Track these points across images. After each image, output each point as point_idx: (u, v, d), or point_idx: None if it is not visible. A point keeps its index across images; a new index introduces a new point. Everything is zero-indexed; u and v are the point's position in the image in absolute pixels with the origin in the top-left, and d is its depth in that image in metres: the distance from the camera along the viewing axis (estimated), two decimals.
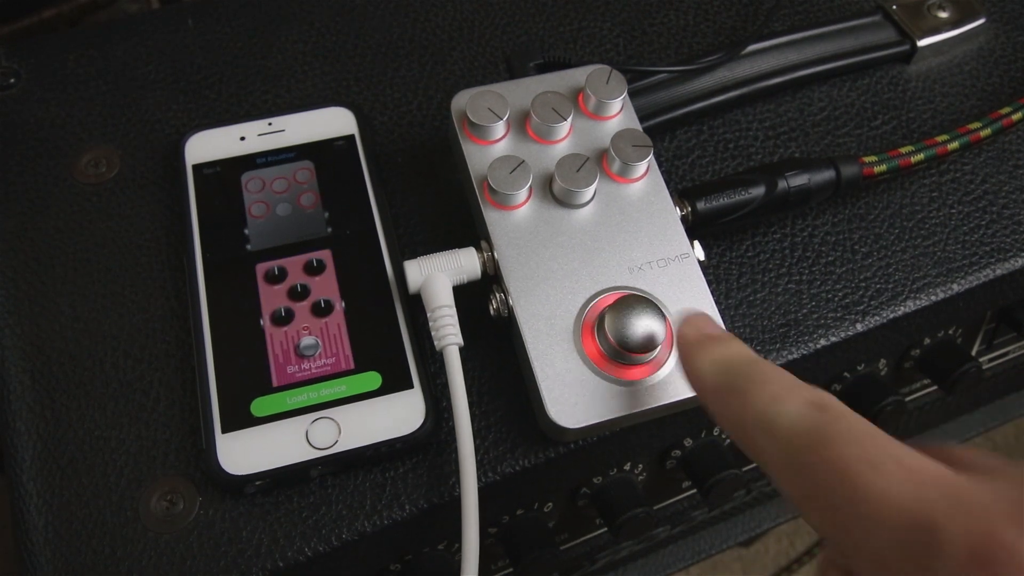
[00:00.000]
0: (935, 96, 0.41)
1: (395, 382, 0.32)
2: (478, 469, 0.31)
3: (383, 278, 0.34)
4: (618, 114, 0.36)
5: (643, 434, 0.34)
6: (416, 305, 0.33)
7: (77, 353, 0.33)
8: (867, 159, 0.36)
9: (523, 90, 0.36)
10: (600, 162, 0.34)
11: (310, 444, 0.30)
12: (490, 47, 0.42)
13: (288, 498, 0.31)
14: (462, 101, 0.35)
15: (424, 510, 0.31)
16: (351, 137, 0.38)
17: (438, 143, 0.39)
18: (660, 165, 0.37)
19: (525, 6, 0.43)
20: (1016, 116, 0.39)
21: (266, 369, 0.32)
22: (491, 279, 0.33)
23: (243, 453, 0.30)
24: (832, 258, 0.37)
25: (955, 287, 0.36)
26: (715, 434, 0.41)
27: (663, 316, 0.30)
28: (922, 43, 0.42)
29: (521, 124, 0.35)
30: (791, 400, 0.22)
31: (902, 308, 0.36)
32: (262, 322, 0.33)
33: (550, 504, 0.39)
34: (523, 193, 0.33)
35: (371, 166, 0.37)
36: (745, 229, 0.37)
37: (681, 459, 0.40)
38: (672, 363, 0.31)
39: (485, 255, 0.33)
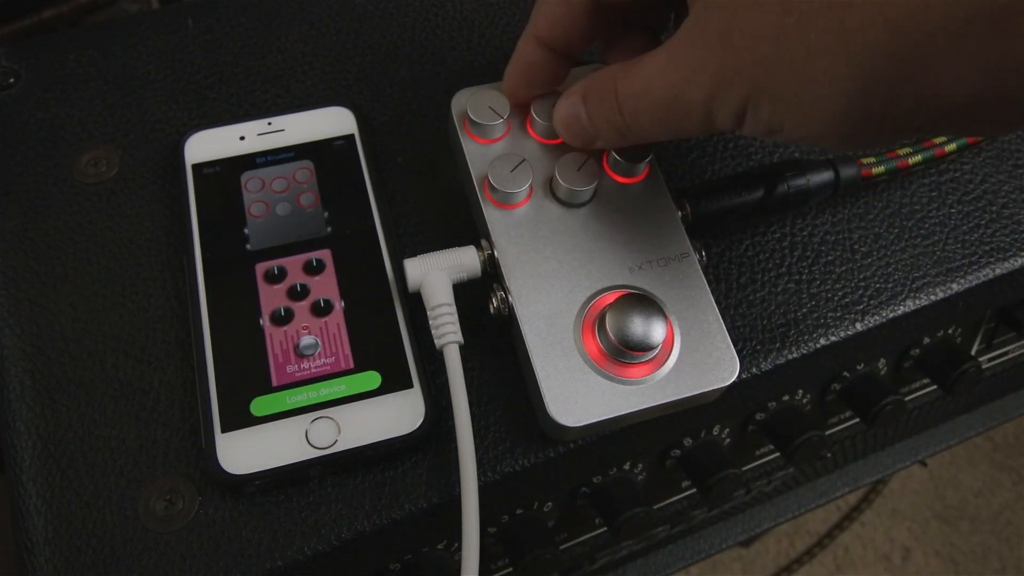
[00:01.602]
0: None
1: (395, 381, 0.32)
2: (478, 468, 0.31)
3: (383, 277, 0.34)
4: None
5: (643, 433, 0.34)
6: (416, 304, 0.33)
7: (77, 353, 0.33)
8: (865, 160, 0.37)
9: None
10: (601, 161, 0.34)
11: (310, 444, 0.30)
12: (490, 47, 0.42)
13: (288, 498, 0.31)
14: (463, 100, 0.35)
15: (424, 510, 0.31)
16: (351, 137, 0.38)
17: (438, 143, 0.39)
18: (660, 165, 0.37)
19: (525, 6, 0.43)
20: None
21: (266, 369, 0.32)
22: (491, 278, 0.33)
23: (243, 453, 0.30)
24: (832, 257, 0.37)
25: (954, 287, 0.36)
26: (715, 433, 0.41)
27: (664, 315, 0.30)
28: None
29: (522, 123, 0.35)
30: None
31: (901, 308, 0.36)
32: (262, 322, 0.33)
33: (550, 504, 0.39)
34: (523, 192, 0.33)
35: (371, 166, 0.37)
36: (745, 228, 0.37)
37: (681, 458, 0.40)
38: (673, 362, 0.31)
39: (485, 253, 0.33)
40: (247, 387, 0.31)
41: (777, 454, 0.47)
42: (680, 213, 0.34)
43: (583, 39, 0.32)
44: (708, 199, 0.35)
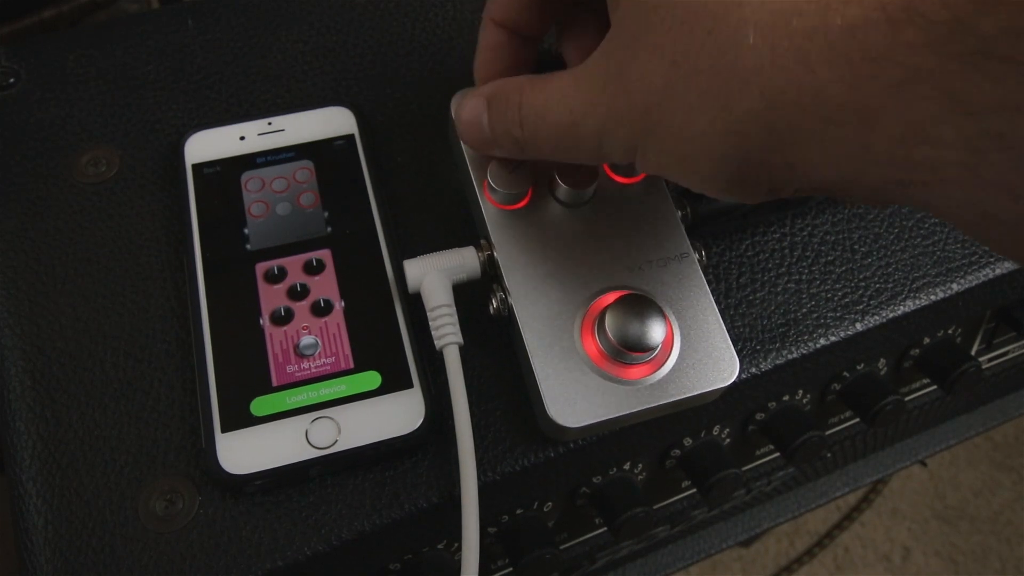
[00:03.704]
0: None
1: (395, 381, 0.32)
2: (478, 468, 0.31)
3: (383, 277, 0.34)
4: None
5: (643, 434, 0.34)
6: (416, 304, 0.33)
7: (77, 353, 0.33)
8: None
9: None
10: None
11: (310, 444, 0.30)
12: None
13: (288, 497, 0.31)
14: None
15: (424, 509, 0.31)
16: (351, 137, 0.38)
17: (438, 143, 0.39)
18: None
19: None
20: None
21: (266, 369, 0.32)
22: (491, 278, 0.33)
23: (243, 452, 0.30)
24: (831, 257, 0.37)
25: (954, 286, 0.36)
26: (715, 433, 0.41)
27: (663, 315, 0.30)
28: None
29: None
30: None
31: (901, 308, 0.36)
32: (262, 321, 0.33)
33: (550, 504, 0.39)
34: (523, 192, 0.33)
35: (371, 166, 0.37)
36: (745, 228, 0.37)
37: (681, 458, 0.40)
38: (672, 362, 0.31)
39: (484, 254, 0.33)
40: (247, 387, 0.31)
41: (777, 454, 0.47)
42: (680, 213, 0.34)
43: (538, 19, 0.32)
44: (708, 199, 0.35)
